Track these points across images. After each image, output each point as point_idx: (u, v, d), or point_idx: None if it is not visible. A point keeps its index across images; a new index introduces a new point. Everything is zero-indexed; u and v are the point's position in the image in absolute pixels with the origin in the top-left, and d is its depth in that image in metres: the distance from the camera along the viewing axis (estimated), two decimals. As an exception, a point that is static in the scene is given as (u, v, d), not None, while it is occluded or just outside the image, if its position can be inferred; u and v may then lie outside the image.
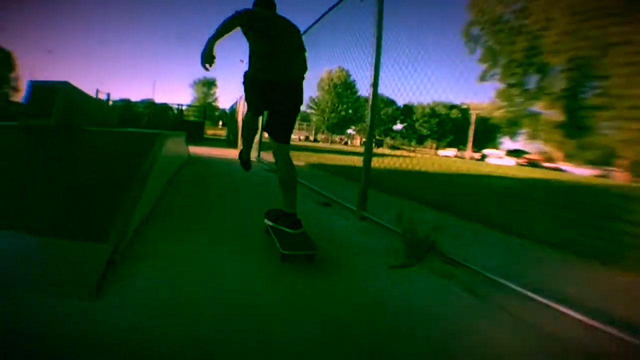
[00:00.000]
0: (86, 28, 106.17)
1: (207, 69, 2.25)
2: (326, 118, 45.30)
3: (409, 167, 6.42)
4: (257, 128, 2.84)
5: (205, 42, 2.16)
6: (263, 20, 2.34)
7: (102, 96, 15.36)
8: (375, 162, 3.83)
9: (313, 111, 45.68)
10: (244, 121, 2.85)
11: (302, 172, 5.29)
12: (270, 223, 2.47)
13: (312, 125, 46.77)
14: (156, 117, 17.38)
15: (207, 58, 2.16)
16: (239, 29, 2.29)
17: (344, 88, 43.98)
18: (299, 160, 4.20)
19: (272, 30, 2.34)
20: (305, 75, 2.57)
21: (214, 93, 63.03)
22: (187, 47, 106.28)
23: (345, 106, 45.13)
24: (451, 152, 48.98)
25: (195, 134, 16.58)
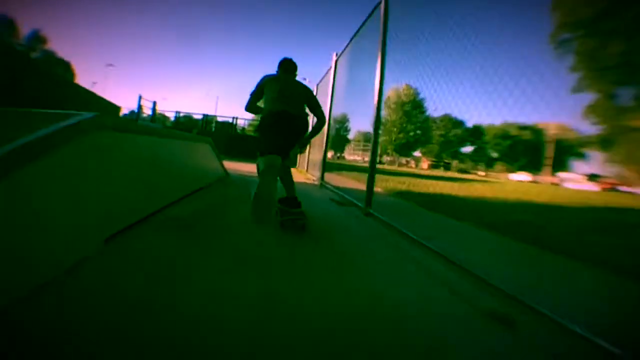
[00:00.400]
0: (146, 43, 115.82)
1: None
2: (393, 139, 43.41)
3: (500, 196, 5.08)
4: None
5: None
6: (266, 85, 3.18)
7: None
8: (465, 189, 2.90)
9: (379, 131, 43.72)
10: (258, 165, 2.96)
11: (384, 204, 4.82)
12: (278, 205, 2.95)
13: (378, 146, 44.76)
14: (203, 130, 17.29)
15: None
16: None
17: (412, 107, 42.23)
18: (375, 186, 3.52)
19: (270, 87, 3.13)
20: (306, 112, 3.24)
21: None
22: (254, 62, 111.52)
23: (413, 126, 43.49)
24: (523, 176, 46.13)
25: (250, 152, 15.65)
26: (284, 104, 3.04)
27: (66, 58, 48.48)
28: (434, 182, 12.20)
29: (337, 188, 5.72)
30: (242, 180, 6.08)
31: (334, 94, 6.84)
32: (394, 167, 36.30)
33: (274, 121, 2.98)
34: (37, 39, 41.98)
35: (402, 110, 41.91)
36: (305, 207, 3.00)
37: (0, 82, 7.76)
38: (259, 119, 3.18)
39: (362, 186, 4.23)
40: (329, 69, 7.25)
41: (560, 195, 13.11)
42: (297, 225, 2.79)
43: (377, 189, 5.54)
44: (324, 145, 7.13)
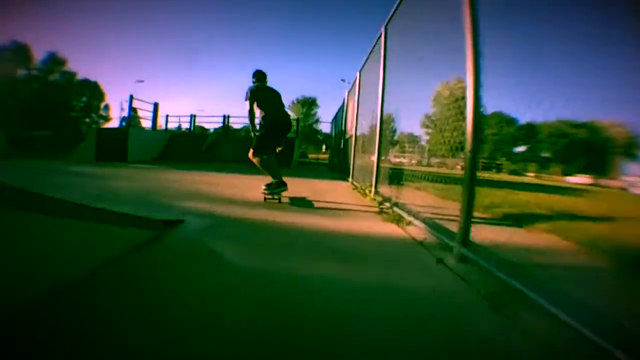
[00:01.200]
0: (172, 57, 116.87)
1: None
2: (448, 139, 38.46)
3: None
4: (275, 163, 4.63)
5: (251, 131, 4.56)
6: (260, 93, 4.57)
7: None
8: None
9: (429, 130, 40.17)
10: (259, 157, 4.51)
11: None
12: (265, 190, 4.45)
13: (426, 146, 41.03)
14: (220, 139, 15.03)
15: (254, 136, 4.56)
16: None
17: (465, 103, 37.82)
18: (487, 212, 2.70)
19: (266, 96, 4.63)
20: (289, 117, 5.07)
21: (315, 114, 60.23)
22: (285, 68, 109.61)
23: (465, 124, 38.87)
24: (582, 179, 38.69)
25: (281, 158, 13.19)
26: (282, 114, 4.83)
27: (91, 78, 47.37)
28: (527, 193, 8.45)
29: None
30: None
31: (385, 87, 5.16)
32: (446, 171, 31.11)
33: (283, 129, 4.78)
34: (54, 61, 40.90)
35: (454, 105, 37.91)
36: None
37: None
38: (261, 120, 4.58)
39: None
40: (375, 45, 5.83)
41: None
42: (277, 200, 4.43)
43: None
44: (377, 146, 5.21)
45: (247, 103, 4.45)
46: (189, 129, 16.96)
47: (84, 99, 45.23)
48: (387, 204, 4.06)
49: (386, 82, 5.04)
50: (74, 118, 42.26)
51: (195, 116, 16.88)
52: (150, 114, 14.61)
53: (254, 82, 4.70)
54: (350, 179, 7.76)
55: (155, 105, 14.32)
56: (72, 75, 43.45)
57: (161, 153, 13.89)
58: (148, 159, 12.81)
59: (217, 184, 5.95)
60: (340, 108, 13.21)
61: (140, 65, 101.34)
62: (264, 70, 4.80)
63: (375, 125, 5.35)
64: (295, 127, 16.44)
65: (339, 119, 13.86)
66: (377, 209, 4.09)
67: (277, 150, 4.79)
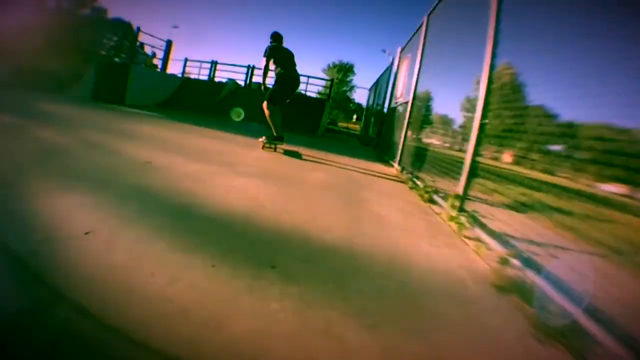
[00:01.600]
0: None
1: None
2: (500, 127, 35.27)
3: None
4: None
5: (262, 85, 5.24)
6: (277, 51, 5.26)
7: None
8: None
9: (469, 114, 36.69)
10: (271, 109, 5.21)
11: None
12: (265, 140, 5.21)
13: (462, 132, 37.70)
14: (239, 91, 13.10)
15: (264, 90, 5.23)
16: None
17: (512, 90, 34.28)
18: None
19: (283, 55, 5.30)
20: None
21: (350, 81, 56.73)
22: (324, 31, 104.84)
23: (512, 113, 35.59)
24: (616, 188, 35.50)
25: (308, 121, 11.40)
26: (294, 71, 5.42)
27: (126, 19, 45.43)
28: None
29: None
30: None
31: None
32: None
33: (294, 85, 5.46)
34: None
35: (500, 92, 34.43)
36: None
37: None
38: (277, 75, 5.25)
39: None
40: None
41: None
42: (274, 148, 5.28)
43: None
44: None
45: (264, 59, 5.21)
46: (209, 76, 14.87)
47: (116, 38, 43.34)
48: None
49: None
50: (93, 53, 40.59)
51: (216, 62, 14.71)
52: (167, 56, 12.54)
53: (271, 43, 5.43)
54: (395, 164, 5.57)
55: (168, 44, 12.19)
56: (103, 11, 41.51)
57: (169, 99, 11.95)
58: (151, 103, 10.91)
59: (206, 159, 3.95)
60: (384, 73, 10.84)
61: (179, 11, 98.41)
62: (281, 33, 5.54)
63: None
64: (328, 90, 14.16)
65: (381, 84, 11.50)
66: (490, 262, 1.90)
67: (287, 102, 5.48)
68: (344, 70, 54.90)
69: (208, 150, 4.14)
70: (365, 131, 14.75)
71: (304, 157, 5.07)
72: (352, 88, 55.06)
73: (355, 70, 58.53)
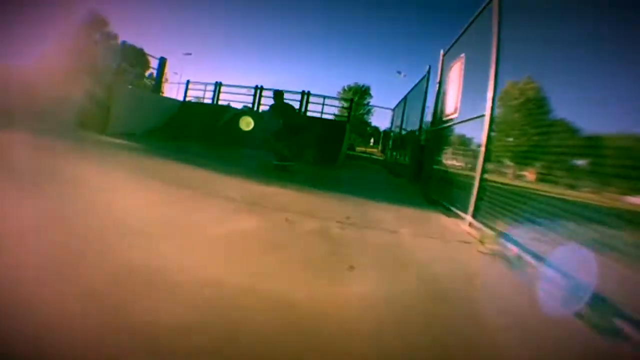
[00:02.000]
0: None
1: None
2: (517, 144, 33.09)
3: None
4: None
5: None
6: (278, 109, 6.80)
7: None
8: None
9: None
10: (275, 142, 6.67)
11: None
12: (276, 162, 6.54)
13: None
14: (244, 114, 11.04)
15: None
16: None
17: (536, 106, 32.26)
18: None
19: (283, 110, 6.85)
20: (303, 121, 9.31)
21: (367, 104, 54.72)
22: (341, 50, 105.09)
23: (535, 130, 33.39)
24: None
25: (326, 148, 9.62)
26: (295, 118, 7.31)
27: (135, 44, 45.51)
28: None
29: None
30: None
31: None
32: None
33: (294, 130, 6.90)
34: (95, 20, 39.04)
35: (524, 109, 32.51)
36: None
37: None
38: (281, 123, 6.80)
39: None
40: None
41: None
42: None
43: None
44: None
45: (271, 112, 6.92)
46: (212, 99, 13.32)
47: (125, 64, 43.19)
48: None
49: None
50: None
51: (220, 84, 13.20)
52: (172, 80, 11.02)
53: (274, 100, 6.93)
54: (467, 217, 3.60)
55: (161, 62, 10.63)
56: (114, 36, 41.47)
57: (164, 126, 10.34)
58: (140, 132, 9.32)
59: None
60: (416, 86, 9.02)
61: (191, 38, 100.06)
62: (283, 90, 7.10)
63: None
64: (348, 110, 12.42)
65: (411, 102, 9.70)
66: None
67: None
68: (359, 93, 53.31)
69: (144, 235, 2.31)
70: (392, 157, 12.89)
71: (327, 217, 3.20)
72: (369, 111, 53.33)
73: (372, 92, 56.78)
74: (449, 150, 5.20)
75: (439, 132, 5.75)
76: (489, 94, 3.64)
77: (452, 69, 5.48)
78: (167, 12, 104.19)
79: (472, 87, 4.86)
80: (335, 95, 50.83)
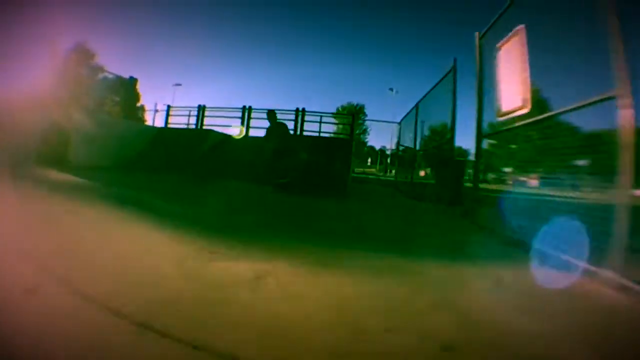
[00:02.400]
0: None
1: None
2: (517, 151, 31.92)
3: None
4: None
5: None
6: (273, 131, 7.15)
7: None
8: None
9: (491, 142, 33.25)
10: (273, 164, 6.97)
11: None
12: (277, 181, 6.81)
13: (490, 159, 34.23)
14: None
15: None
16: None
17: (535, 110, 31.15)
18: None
19: (276, 132, 7.13)
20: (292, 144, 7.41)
21: (362, 123, 53.76)
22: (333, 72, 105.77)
23: (538, 134, 32.33)
24: None
25: (331, 175, 7.98)
26: (287, 140, 7.30)
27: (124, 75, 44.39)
28: None
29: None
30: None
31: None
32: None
33: (286, 151, 7.05)
34: (82, 52, 38.13)
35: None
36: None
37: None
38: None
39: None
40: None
41: None
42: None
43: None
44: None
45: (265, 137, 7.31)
46: (196, 124, 11.87)
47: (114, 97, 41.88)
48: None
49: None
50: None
51: (204, 107, 11.76)
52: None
53: (268, 122, 7.30)
54: (610, 274, 1.99)
55: (132, 82, 9.16)
56: (100, 69, 40.43)
57: (137, 156, 8.83)
58: (109, 163, 7.83)
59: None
60: (433, 89, 7.61)
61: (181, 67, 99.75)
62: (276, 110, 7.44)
63: None
64: (349, 127, 10.94)
65: (428, 110, 8.32)
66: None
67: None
68: (354, 112, 52.52)
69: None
70: (403, 177, 11.44)
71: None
72: (365, 130, 52.26)
73: (366, 110, 55.94)
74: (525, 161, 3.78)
75: (499, 137, 4.29)
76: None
77: (503, 49, 4.08)
78: (161, 46, 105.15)
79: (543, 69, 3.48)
80: (330, 112, 49.92)
